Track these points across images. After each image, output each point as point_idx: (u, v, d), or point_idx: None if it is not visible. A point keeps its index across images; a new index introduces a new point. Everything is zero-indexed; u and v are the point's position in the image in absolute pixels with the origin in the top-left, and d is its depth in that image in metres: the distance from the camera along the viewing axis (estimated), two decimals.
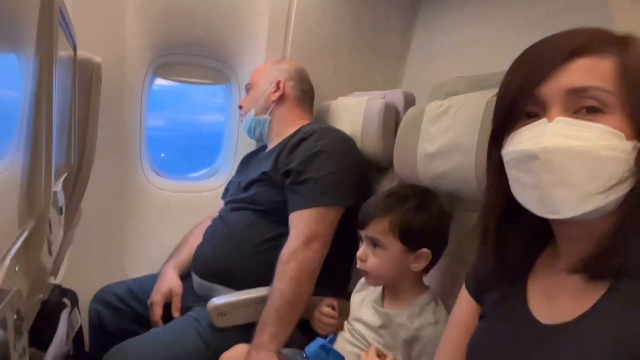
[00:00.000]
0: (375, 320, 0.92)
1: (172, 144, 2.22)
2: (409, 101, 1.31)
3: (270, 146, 1.40)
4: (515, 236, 0.62)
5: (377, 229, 0.91)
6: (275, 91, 1.40)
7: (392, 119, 1.29)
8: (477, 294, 0.69)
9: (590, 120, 0.51)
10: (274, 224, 1.21)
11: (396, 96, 1.33)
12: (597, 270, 0.52)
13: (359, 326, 0.96)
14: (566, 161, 0.50)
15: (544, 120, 0.53)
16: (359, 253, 0.93)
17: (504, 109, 0.57)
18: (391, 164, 1.26)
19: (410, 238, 0.90)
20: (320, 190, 1.13)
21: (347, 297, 1.14)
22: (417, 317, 0.89)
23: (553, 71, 0.53)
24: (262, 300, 1.10)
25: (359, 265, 0.93)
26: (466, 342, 0.66)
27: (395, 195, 0.95)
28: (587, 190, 0.50)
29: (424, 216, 0.92)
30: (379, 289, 0.98)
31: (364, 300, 1.00)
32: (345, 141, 1.25)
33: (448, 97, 1.02)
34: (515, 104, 0.55)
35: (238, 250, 1.22)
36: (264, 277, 1.14)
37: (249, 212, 1.26)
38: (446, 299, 0.94)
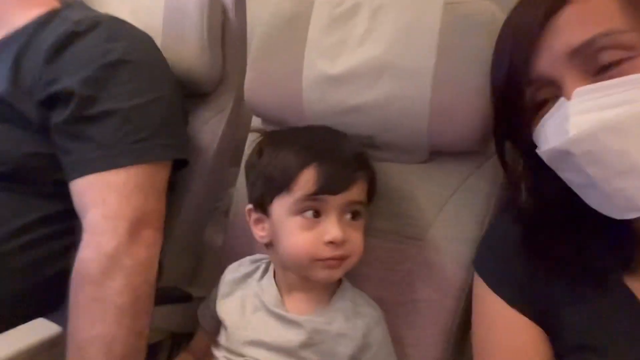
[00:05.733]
0: (292, 337, 0.61)
1: None
2: None
3: None
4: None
5: (361, 189, 0.62)
6: None
7: (218, 19, 0.88)
8: (534, 311, 0.50)
9: (619, 75, 0.41)
10: (30, 199, 0.66)
11: None
12: None
13: (257, 353, 0.62)
14: (609, 143, 0.39)
15: (561, 100, 0.43)
16: (337, 234, 0.58)
17: (510, 110, 0.49)
18: (216, 89, 0.90)
19: (369, 200, 0.66)
20: (140, 134, 0.65)
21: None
22: (357, 316, 0.64)
23: (538, 40, 0.44)
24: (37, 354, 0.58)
25: (333, 253, 0.59)
26: None
27: (351, 139, 0.66)
28: None
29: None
30: (272, 285, 0.66)
31: (245, 308, 0.66)
32: (154, 46, 0.77)
33: None
34: (517, 98, 0.47)
35: None
36: (24, 305, 0.62)
37: None
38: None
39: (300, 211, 0.60)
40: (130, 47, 0.70)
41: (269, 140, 0.69)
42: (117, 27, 0.72)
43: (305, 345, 0.61)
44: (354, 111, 0.70)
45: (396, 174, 0.72)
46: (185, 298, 0.84)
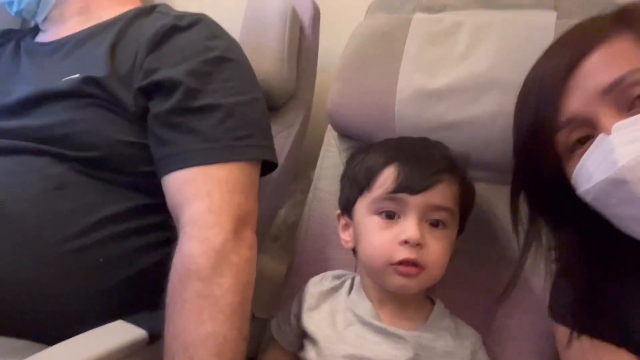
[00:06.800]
0: (397, 353, 0.57)
1: None
2: (316, 14, 0.94)
3: (62, 31, 0.74)
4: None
5: (446, 195, 0.58)
6: None
7: (296, 34, 0.89)
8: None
9: None
10: (117, 189, 0.62)
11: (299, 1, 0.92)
12: None
13: None
14: None
15: (600, 136, 0.45)
16: (413, 233, 0.54)
17: (537, 158, 0.51)
18: (286, 103, 0.90)
19: (467, 214, 0.62)
20: (242, 131, 0.63)
21: None
22: (462, 336, 0.61)
23: (567, 85, 0.47)
24: None
25: (407, 255, 0.55)
26: None
27: (442, 146, 0.64)
28: None
29: (472, 184, 0.64)
30: (364, 298, 0.63)
31: (336, 323, 0.62)
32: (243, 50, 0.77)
33: (438, 11, 0.75)
34: (546, 144, 0.49)
35: (36, 250, 0.56)
36: (108, 306, 0.57)
37: (48, 162, 0.60)
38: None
39: (378, 210, 0.58)
40: (230, 46, 0.70)
41: (360, 149, 0.69)
42: (215, 26, 0.72)
43: None
44: (451, 127, 0.69)
45: (491, 195, 0.71)
46: None
